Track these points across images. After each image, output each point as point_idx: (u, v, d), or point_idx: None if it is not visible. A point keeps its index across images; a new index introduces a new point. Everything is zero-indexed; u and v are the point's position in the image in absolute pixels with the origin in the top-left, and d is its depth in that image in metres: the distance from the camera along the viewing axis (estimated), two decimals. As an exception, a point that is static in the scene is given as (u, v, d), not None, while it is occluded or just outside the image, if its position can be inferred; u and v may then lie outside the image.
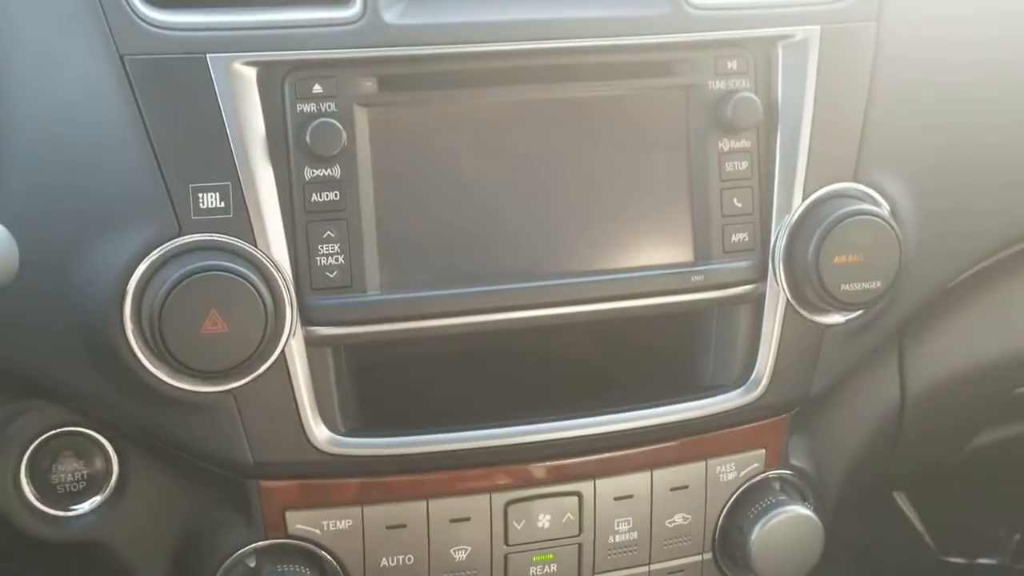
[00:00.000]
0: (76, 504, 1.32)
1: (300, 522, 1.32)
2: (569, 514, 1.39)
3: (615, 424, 1.36)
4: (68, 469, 1.32)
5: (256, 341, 1.19)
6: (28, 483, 1.30)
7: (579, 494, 1.38)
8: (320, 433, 1.27)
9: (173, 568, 1.35)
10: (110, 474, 1.32)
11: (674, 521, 1.43)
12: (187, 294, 1.16)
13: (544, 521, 1.38)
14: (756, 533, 1.42)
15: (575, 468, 1.38)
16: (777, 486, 1.47)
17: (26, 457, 1.29)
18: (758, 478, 1.45)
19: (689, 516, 1.43)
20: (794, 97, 1.35)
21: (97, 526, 1.33)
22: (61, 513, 1.32)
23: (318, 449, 1.27)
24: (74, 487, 1.32)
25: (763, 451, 1.45)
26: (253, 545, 1.32)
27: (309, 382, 1.26)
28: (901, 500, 2.13)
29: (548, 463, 1.37)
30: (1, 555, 1.36)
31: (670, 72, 1.34)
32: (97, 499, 1.32)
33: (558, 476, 1.38)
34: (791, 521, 1.43)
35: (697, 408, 1.38)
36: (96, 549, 1.33)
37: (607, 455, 1.38)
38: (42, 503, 1.31)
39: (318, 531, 1.32)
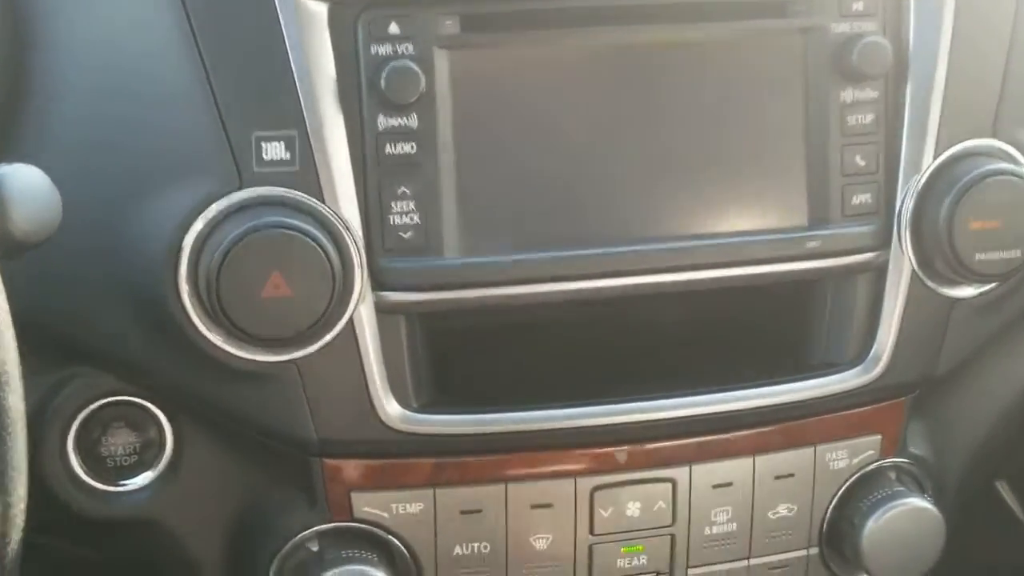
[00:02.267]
0: (127, 479, 1.22)
1: (367, 504, 1.21)
2: (661, 502, 1.26)
3: (715, 405, 1.23)
4: (119, 442, 1.22)
5: (322, 307, 1.08)
6: (76, 456, 1.20)
7: (673, 481, 1.26)
8: (391, 408, 1.16)
9: (230, 551, 1.25)
10: (163, 448, 1.22)
11: (778, 512, 1.30)
12: (247, 253, 1.06)
13: (634, 509, 1.26)
14: (869, 527, 1.29)
15: (669, 452, 1.25)
16: (893, 476, 1.33)
17: (74, 427, 1.19)
18: (872, 467, 1.32)
19: (794, 507, 1.30)
20: (928, 42, 1.21)
21: (149, 503, 1.22)
22: (111, 488, 1.22)
23: (388, 426, 1.16)
24: (125, 461, 1.22)
25: (879, 437, 1.32)
26: (316, 528, 1.21)
27: (379, 353, 1.15)
28: (1003, 490, 1.96)
29: (639, 446, 1.24)
30: (45, 530, 1.27)
31: (786, 13, 1.20)
32: (149, 474, 1.22)
33: (650, 461, 1.25)
34: (909, 515, 1.29)
35: (807, 389, 1.25)
36: (147, 528, 1.23)
37: (705, 439, 1.26)
38: (91, 477, 1.21)
39: (386, 515, 1.21)
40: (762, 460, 1.28)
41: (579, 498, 1.24)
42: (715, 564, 1.30)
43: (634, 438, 1.24)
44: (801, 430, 1.28)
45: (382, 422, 1.16)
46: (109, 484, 1.22)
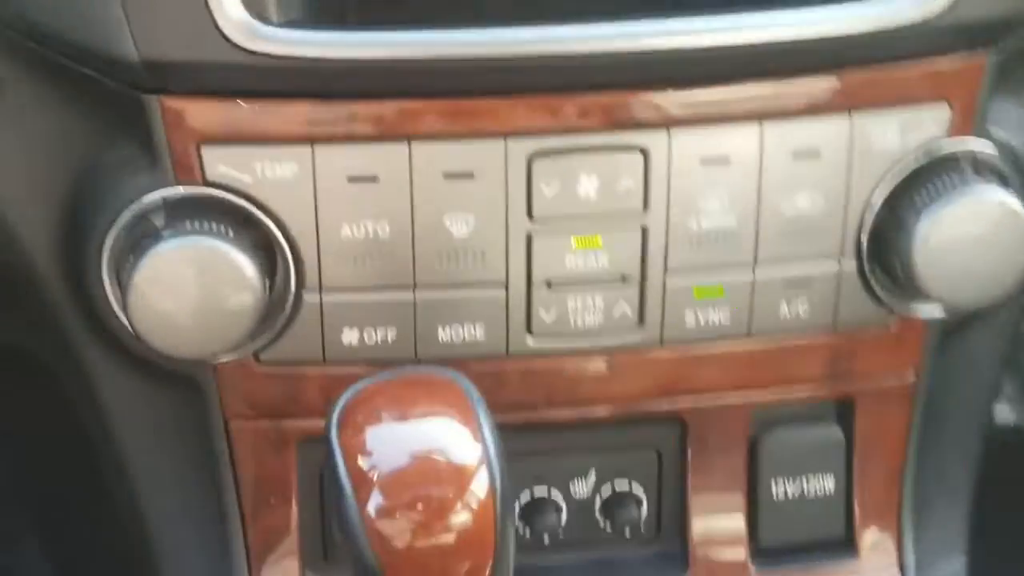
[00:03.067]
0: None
1: (222, 162, 0.91)
2: (628, 179, 0.93)
3: (705, 34, 0.89)
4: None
5: None
6: None
7: (644, 150, 0.93)
8: (233, 14, 0.85)
9: (62, 228, 0.96)
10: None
11: (796, 206, 0.95)
12: None
13: (589, 188, 0.93)
14: (924, 228, 0.93)
15: (640, 107, 0.92)
16: (968, 167, 0.97)
17: None
18: (936, 149, 0.95)
19: (820, 199, 0.96)
20: None
21: None
22: None
23: (230, 42, 0.85)
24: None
25: (945, 108, 0.96)
26: (157, 193, 0.91)
27: None
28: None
29: (597, 95, 0.91)
30: None
31: None
32: None
33: (613, 118, 0.92)
34: (983, 213, 0.93)
35: (839, 20, 0.89)
36: None
37: (691, 91, 0.92)
38: None
39: (248, 177, 0.91)
40: (773, 128, 0.94)
41: (511, 167, 0.92)
42: (704, 272, 0.96)
43: (589, 82, 0.91)
44: (831, 87, 0.93)
45: (222, 35, 0.85)
46: None
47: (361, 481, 0.73)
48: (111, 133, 0.93)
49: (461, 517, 0.73)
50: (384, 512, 0.73)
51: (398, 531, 0.73)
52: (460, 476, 0.74)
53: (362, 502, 0.73)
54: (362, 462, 0.74)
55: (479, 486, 0.74)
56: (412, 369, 0.81)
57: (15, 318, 1.10)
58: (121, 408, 1.04)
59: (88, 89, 0.91)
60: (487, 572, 0.75)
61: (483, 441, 0.74)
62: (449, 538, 0.73)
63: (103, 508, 1.16)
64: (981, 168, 0.97)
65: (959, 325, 1.06)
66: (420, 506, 0.73)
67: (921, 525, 1.11)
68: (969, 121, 0.96)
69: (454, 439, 0.75)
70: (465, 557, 0.74)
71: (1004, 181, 0.98)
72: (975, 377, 1.10)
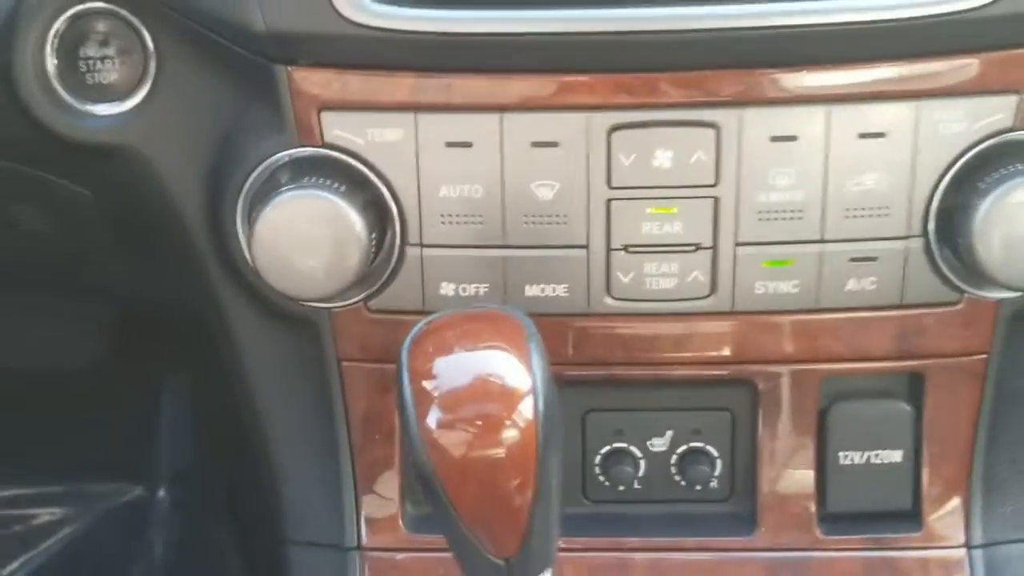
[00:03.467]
0: (106, 100, 1.09)
1: (338, 127, 1.02)
2: (701, 153, 1.00)
3: (776, 18, 0.96)
4: (98, 55, 1.08)
5: None
6: (53, 63, 1.07)
7: (716, 126, 1.00)
8: None
9: (207, 185, 1.09)
10: (145, 70, 1.08)
11: (862, 184, 1.01)
12: None
13: (663, 159, 1.01)
14: (985, 210, 0.97)
15: (713, 85, 0.99)
16: None
17: (55, 28, 1.06)
18: (1004, 136, 1.00)
19: (886, 178, 1.01)
20: None
21: (126, 128, 1.09)
22: (89, 107, 1.09)
23: (342, 16, 0.97)
24: (104, 78, 1.09)
25: (1014, 97, 0.99)
26: (283, 152, 1.04)
27: None
28: None
29: (672, 74, 0.99)
30: (34, 160, 1.16)
31: None
32: (128, 101, 1.08)
33: (687, 96, 1.00)
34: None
35: (904, 6, 0.95)
36: (126, 158, 1.09)
37: (762, 72, 0.99)
38: (69, 93, 1.08)
39: (360, 140, 1.02)
40: (840, 111, 1.00)
41: (593, 138, 1.00)
42: (774, 244, 1.03)
43: (666, 63, 0.98)
44: (898, 73, 0.99)
45: (335, 10, 0.96)
46: (88, 103, 1.09)
47: (423, 398, 0.84)
48: (248, 100, 1.05)
49: (509, 433, 0.82)
50: (441, 424, 0.83)
51: (453, 443, 0.83)
52: (510, 398, 0.83)
53: (422, 416, 0.83)
54: (426, 383, 0.84)
55: (526, 408, 0.83)
56: (480, 306, 0.91)
57: (171, 275, 1.25)
58: (253, 348, 1.16)
59: (230, 61, 1.04)
60: (530, 491, 0.84)
61: (532, 371, 0.83)
62: (499, 452, 0.82)
63: (245, 444, 1.30)
64: None
65: (1033, 308, 1.08)
66: (473, 422, 0.83)
67: (990, 504, 1.13)
68: None
69: (507, 367, 0.84)
70: (512, 473, 0.83)
71: None
72: None
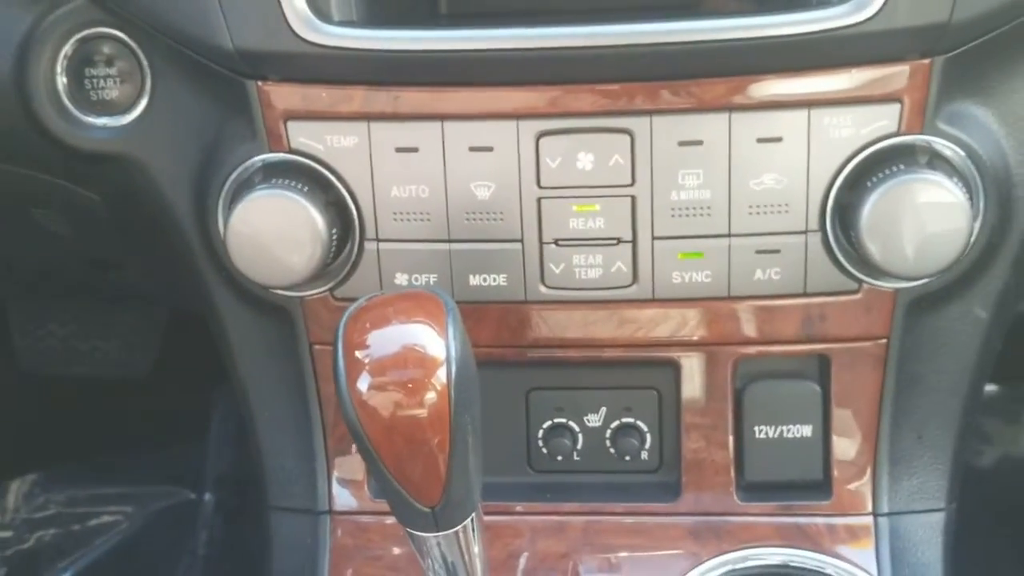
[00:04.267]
0: (108, 114, 1.24)
1: (303, 135, 1.16)
2: (618, 156, 1.13)
3: (680, 35, 1.08)
4: (101, 74, 1.24)
5: None
6: (64, 80, 1.22)
7: (630, 132, 1.13)
8: (299, 12, 1.10)
9: (194, 187, 1.24)
10: (143, 88, 1.23)
11: (763, 183, 1.13)
12: None
13: (586, 162, 1.14)
14: (872, 205, 1.09)
15: (626, 95, 1.12)
16: (924, 158, 1.11)
17: (66, 50, 1.22)
18: (891, 141, 1.12)
19: (784, 179, 1.13)
20: None
21: (128, 138, 1.24)
22: (93, 120, 1.24)
23: (297, 35, 1.10)
24: (107, 94, 1.24)
25: (896, 105, 1.11)
26: (256, 158, 1.18)
27: None
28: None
29: (591, 86, 1.12)
30: (46, 167, 1.32)
31: None
32: (128, 114, 1.24)
33: (604, 105, 1.12)
34: (920, 191, 1.08)
35: (785, 24, 1.07)
36: (126, 166, 1.24)
37: (668, 83, 1.11)
38: (76, 107, 1.24)
39: (321, 147, 1.16)
40: (740, 118, 1.11)
41: (522, 143, 1.13)
42: (687, 238, 1.15)
43: (585, 75, 1.11)
44: (791, 85, 1.11)
45: (291, 30, 1.10)
46: (91, 115, 1.24)
47: (354, 366, 0.97)
48: (228, 112, 1.19)
49: (429, 396, 0.95)
50: (371, 387, 0.96)
51: (380, 404, 0.95)
52: (430, 365, 0.95)
53: (352, 381, 0.96)
54: (358, 352, 0.97)
55: (443, 373, 0.95)
56: (408, 288, 1.04)
57: (171, 272, 1.37)
58: (238, 334, 1.30)
59: (212, 78, 1.18)
60: (448, 446, 0.97)
61: (448, 341, 0.96)
62: (421, 412, 0.95)
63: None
64: (939, 164, 1.11)
65: (930, 297, 1.18)
66: (397, 385, 0.96)
67: (896, 476, 1.24)
68: (920, 116, 1.10)
69: (427, 338, 0.96)
70: (431, 431, 0.96)
71: (952, 172, 1.10)
72: (952, 348, 1.21)
